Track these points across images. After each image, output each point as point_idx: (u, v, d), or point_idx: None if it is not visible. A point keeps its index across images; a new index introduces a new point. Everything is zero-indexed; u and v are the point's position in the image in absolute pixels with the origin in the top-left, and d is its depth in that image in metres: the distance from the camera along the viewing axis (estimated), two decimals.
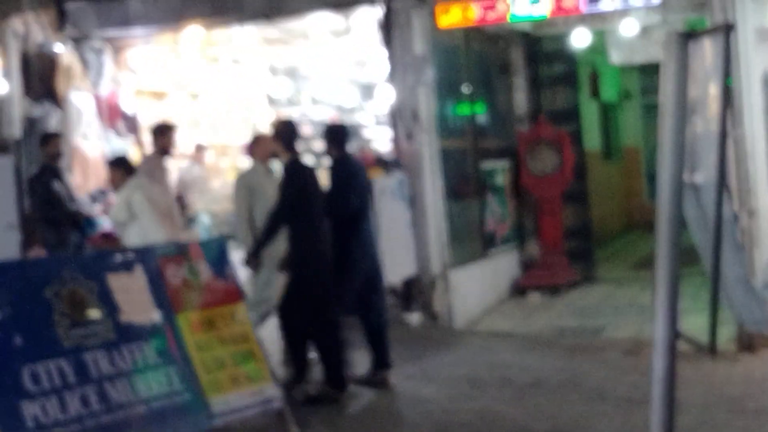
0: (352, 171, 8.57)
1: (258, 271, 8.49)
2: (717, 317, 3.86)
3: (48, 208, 10.45)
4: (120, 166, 9.51)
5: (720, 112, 3.61)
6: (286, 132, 8.38)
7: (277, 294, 8.43)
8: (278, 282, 8.50)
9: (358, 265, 8.37)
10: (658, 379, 3.45)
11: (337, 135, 8.68)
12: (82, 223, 10.87)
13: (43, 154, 10.82)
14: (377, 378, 8.39)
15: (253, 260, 8.21)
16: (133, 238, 9.07)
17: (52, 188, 10.50)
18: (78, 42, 12.52)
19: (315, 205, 8.16)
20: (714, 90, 3.76)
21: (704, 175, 4.09)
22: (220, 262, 6.63)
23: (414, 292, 11.02)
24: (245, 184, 9.09)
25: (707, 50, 3.73)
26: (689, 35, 3.63)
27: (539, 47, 13.94)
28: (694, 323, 7.53)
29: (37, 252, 9.97)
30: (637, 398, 7.18)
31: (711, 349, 3.88)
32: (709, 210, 3.76)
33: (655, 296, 3.53)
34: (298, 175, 8.21)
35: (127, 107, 13.34)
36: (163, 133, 9.28)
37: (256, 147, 9.33)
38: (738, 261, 4.11)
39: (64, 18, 12.34)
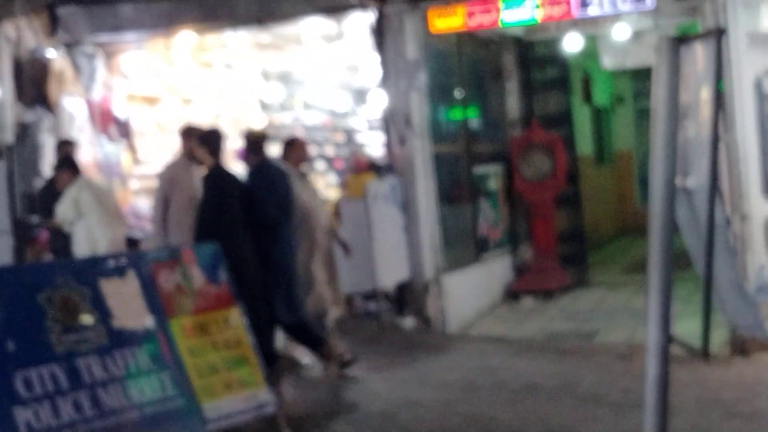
0: (271, 178, 8.66)
1: None
2: (710, 321, 3.86)
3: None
4: (67, 167, 9.72)
5: (712, 117, 3.62)
6: (212, 140, 8.44)
7: (326, 295, 9.07)
8: (317, 281, 8.93)
9: (290, 269, 8.53)
10: (652, 383, 3.46)
11: (210, 141, 8.53)
12: None
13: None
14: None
15: None
16: (80, 236, 9.27)
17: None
18: (70, 47, 12.52)
19: (236, 212, 8.24)
20: (706, 94, 3.77)
21: (696, 180, 4.10)
22: (212, 267, 6.62)
23: (407, 296, 11.03)
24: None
25: (699, 55, 3.74)
26: (681, 40, 3.64)
27: (531, 52, 13.97)
28: (687, 327, 7.53)
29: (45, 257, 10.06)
30: (631, 402, 7.18)
31: (704, 354, 3.88)
32: (701, 214, 3.77)
33: (648, 300, 3.53)
34: (219, 182, 8.31)
35: (119, 112, 13.33)
36: (190, 137, 8.90)
37: (291, 151, 9.20)
38: (730, 265, 4.12)
39: (56, 23, 12.33)
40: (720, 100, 3.59)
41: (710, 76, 3.65)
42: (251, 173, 8.66)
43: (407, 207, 10.93)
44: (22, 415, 4.96)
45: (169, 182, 8.70)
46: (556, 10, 10.46)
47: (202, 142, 8.38)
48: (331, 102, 19.49)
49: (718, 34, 3.63)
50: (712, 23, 9.23)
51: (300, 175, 9.15)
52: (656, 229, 3.51)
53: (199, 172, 8.60)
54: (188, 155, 8.80)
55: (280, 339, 8.87)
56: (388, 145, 11.28)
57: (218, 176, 8.32)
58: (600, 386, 8.21)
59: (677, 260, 3.71)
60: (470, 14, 10.81)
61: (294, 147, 9.22)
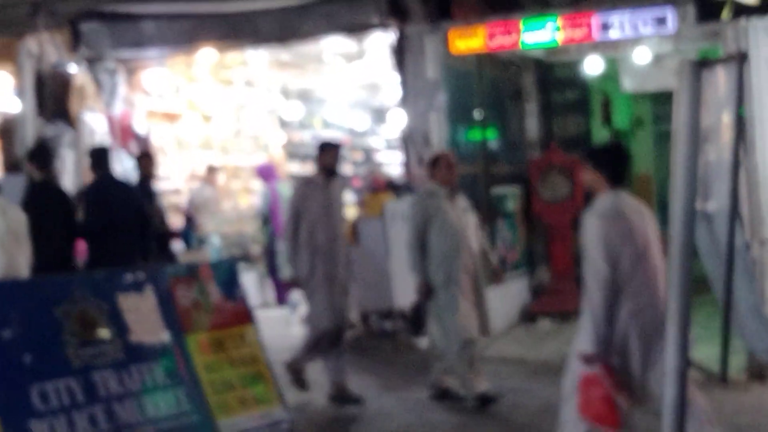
0: (103, 190, 9.34)
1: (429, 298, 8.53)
2: (728, 346, 3.85)
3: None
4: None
5: (733, 141, 3.61)
6: (40, 154, 9.29)
7: (472, 322, 8.45)
8: (463, 307, 8.38)
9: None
10: (670, 406, 3.43)
11: (97, 157, 9.50)
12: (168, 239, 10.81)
13: (139, 170, 10.77)
14: None
15: (425, 287, 8.49)
16: None
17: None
18: (92, 62, 12.59)
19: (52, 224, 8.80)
20: (727, 119, 3.76)
21: (716, 204, 4.10)
22: (230, 283, 6.63)
23: (423, 316, 10.99)
24: (423, 207, 8.51)
25: (720, 79, 3.74)
26: (703, 64, 3.63)
27: (551, 74, 13.97)
28: (706, 352, 7.49)
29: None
30: (648, 426, 7.14)
31: (722, 378, 3.86)
32: (721, 239, 3.76)
33: (667, 324, 3.51)
34: (42, 194, 9.02)
35: (139, 128, 13.39)
36: (326, 151, 8.84)
37: (434, 170, 8.62)
38: (750, 290, 4.10)
39: (79, 38, 12.41)
40: (741, 125, 3.58)
41: (732, 100, 3.65)
42: (88, 186, 9.59)
43: None
44: (38, 428, 4.97)
45: (301, 198, 8.69)
46: (577, 33, 10.47)
47: (31, 157, 9.07)
48: (350, 121, 19.55)
49: (741, 58, 3.62)
50: (733, 48, 9.21)
51: (449, 193, 8.51)
52: (676, 253, 3.50)
53: (336, 186, 8.84)
54: (323, 169, 8.78)
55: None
56: (407, 165, 11.29)
57: (43, 189, 9.03)
58: None
59: (696, 284, 3.69)
60: (491, 35, 10.82)
61: (437, 165, 8.60)
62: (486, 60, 12.45)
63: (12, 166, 12.55)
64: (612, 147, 6.49)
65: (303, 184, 8.96)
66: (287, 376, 8.40)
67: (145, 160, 10.84)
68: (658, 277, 5.49)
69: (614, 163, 5.85)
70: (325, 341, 8.64)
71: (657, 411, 4.38)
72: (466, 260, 8.41)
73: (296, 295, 11.29)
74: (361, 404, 8.51)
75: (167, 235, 10.93)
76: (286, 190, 14.54)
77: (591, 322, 5.48)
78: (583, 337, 5.62)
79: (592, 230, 5.56)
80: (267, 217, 14.16)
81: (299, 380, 8.60)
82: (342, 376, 8.66)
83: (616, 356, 5.48)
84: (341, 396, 8.59)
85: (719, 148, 5.85)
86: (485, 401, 8.26)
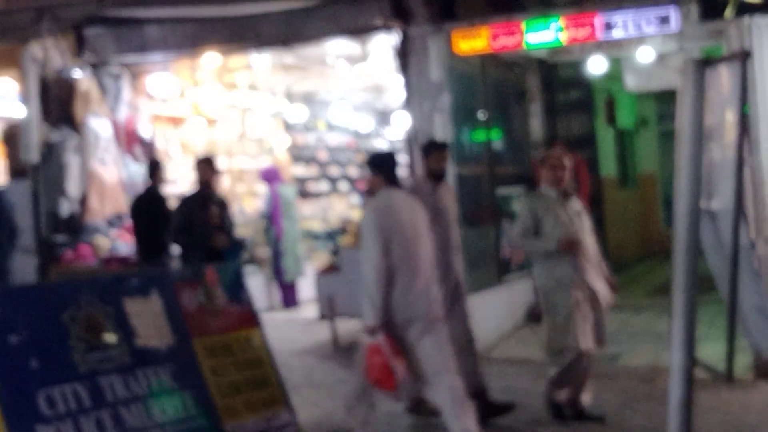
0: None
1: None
2: (734, 345, 3.84)
3: (183, 232, 10.09)
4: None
5: (737, 140, 3.61)
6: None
7: (586, 332, 7.64)
8: (576, 315, 7.64)
9: None
10: (675, 406, 3.43)
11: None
12: (224, 248, 10.29)
13: (199, 179, 10.36)
14: None
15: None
16: None
17: (192, 213, 10.10)
18: (96, 67, 12.62)
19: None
20: (731, 117, 3.76)
21: (721, 203, 4.10)
22: (235, 287, 6.63)
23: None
24: (529, 209, 7.88)
25: (724, 77, 3.74)
26: (706, 62, 3.63)
27: (555, 74, 13.98)
28: (711, 351, 7.49)
29: None
30: (654, 426, 7.14)
31: (728, 377, 3.86)
32: (725, 237, 3.75)
33: (672, 323, 3.51)
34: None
35: (144, 132, 13.41)
36: (433, 153, 8.18)
37: (543, 171, 7.98)
38: (755, 289, 4.10)
39: (83, 44, 12.44)
40: (745, 123, 3.57)
41: (735, 98, 3.65)
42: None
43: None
44: None
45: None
46: (581, 33, 10.47)
47: None
48: (354, 123, 19.56)
49: (744, 57, 3.62)
50: (736, 46, 9.20)
51: (560, 194, 7.83)
52: (680, 252, 3.49)
53: (445, 193, 8.30)
54: (431, 174, 8.16)
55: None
56: (411, 167, 11.29)
57: None
58: (623, 409, 8.15)
59: (701, 283, 3.69)
60: (494, 36, 10.83)
61: (545, 165, 7.98)
62: (490, 61, 12.46)
63: (17, 172, 12.58)
64: (386, 154, 7.42)
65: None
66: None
67: (207, 166, 10.39)
68: (425, 263, 6.79)
69: (388, 167, 7.05)
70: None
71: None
72: (580, 265, 7.69)
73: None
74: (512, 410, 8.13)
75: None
76: (290, 192, 14.56)
77: (367, 298, 6.50)
78: (364, 313, 6.56)
79: (368, 222, 6.74)
80: (270, 220, 14.19)
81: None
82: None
83: (395, 328, 6.54)
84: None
85: (723, 147, 5.85)
86: (583, 416, 7.80)
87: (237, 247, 10.98)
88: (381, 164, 7.06)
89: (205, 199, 10.22)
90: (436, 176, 8.15)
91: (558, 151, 8.33)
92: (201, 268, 6.68)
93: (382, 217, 6.70)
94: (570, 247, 7.62)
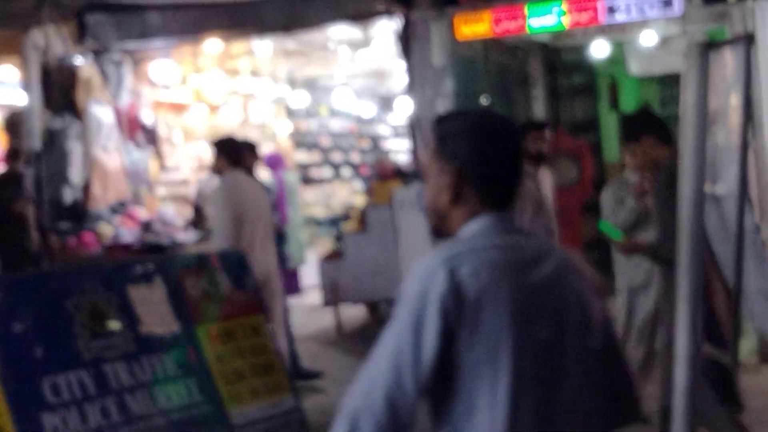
0: None
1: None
2: (739, 329, 3.83)
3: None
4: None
5: (742, 123, 3.60)
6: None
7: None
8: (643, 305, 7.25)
9: None
10: (681, 391, 3.43)
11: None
12: None
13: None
14: None
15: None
16: None
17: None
18: (98, 54, 12.59)
19: None
20: (735, 101, 3.75)
21: (725, 187, 4.07)
22: (239, 273, 6.63)
23: None
24: (610, 196, 7.39)
25: (728, 61, 3.72)
26: (710, 45, 3.62)
27: (558, 58, 13.94)
28: None
29: None
30: (657, 410, 7.13)
31: (733, 362, 3.85)
32: (730, 221, 3.74)
33: (677, 308, 3.51)
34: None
35: (146, 119, 13.40)
36: (531, 134, 7.53)
37: (633, 154, 6.84)
38: (760, 273, 4.08)
39: (84, 31, 12.40)
40: (750, 107, 3.56)
41: (740, 82, 3.63)
42: None
43: None
44: (50, 421, 4.98)
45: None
46: (583, 17, 10.43)
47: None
48: (357, 108, 19.55)
49: (747, 39, 3.60)
50: (740, 29, 9.18)
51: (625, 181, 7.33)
52: (685, 236, 3.49)
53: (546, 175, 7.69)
54: (531, 156, 7.42)
55: None
56: (414, 152, 11.28)
57: None
58: None
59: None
60: (497, 21, 10.79)
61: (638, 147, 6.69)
62: (492, 45, 12.43)
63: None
64: (228, 139, 8.20)
65: None
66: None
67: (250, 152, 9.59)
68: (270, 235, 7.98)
69: (231, 151, 7.79)
70: None
71: None
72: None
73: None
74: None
75: None
76: (293, 178, 14.55)
77: None
78: None
79: (217, 199, 7.65)
80: (273, 207, 14.18)
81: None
82: None
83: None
84: None
85: (727, 131, 5.83)
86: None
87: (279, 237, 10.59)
88: (225, 147, 7.83)
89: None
90: (535, 159, 7.41)
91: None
92: (205, 255, 6.69)
93: (231, 194, 7.58)
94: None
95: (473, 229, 2.51)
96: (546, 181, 7.71)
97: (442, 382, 2.39)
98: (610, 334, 2.62)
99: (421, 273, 2.45)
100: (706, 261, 3.72)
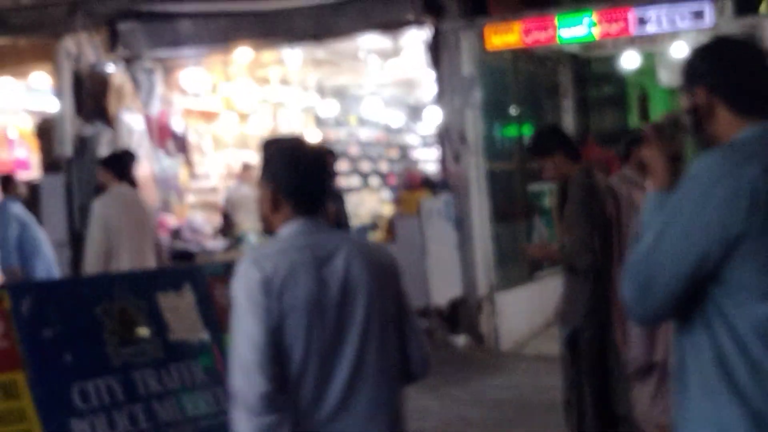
0: None
1: None
2: None
3: None
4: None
5: None
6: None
7: None
8: None
9: None
10: None
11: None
12: None
13: None
14: None
15: None
16: None
17: None
18: (129, 62, 12.67)
19: None
20: None
21: None
22: None
23: (460, 314, 10.99)
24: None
25: None
26: None
27: (588, 69, 13.91)
28: None
29: None
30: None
31: None
32: None
33: None
34: None
35: (176, 127, 13.46)
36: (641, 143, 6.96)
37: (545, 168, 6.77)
38: None
39: (116, 38, 12.49)
40: None
41: None
42: None
43: (461, 224, 10.91)
44: (79, 427, 5.00)
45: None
46: (614, 28, 10.41)
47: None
48: (385, 118, 19.55)
49: None
50: None
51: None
52: None
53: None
54: (641, 166, 6.61)
55: None
56: (443, 162, 11.28)
57: None
58: None
59: None
60: (527, 31, 10.79)
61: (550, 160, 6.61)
62: (522, 55, 12.42)
63: (50, 166, 12.67)
64: (121, 153, 8.65)
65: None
66: None
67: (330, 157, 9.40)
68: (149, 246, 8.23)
69: (119, 165, 8.09)
70: None
71: None
72: None
73: None
74: None
75: None
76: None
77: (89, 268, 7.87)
78: None
79: (96, 211, 8.00)
80: None
81: None
82: None
83: None
84: None
85: None
86: None
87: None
88: (113, 162, 8.21)
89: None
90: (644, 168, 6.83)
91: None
92: (233, 263, 6.70)
93: (108, 208, 7.97)
94: None
95: (287, 230, 3.34)
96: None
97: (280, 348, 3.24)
98: (403, 305, 3.43)
99: (241, 273, 3.39)
100: None
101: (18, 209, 9.72)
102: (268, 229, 3.46)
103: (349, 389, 3.23)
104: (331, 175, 9.55)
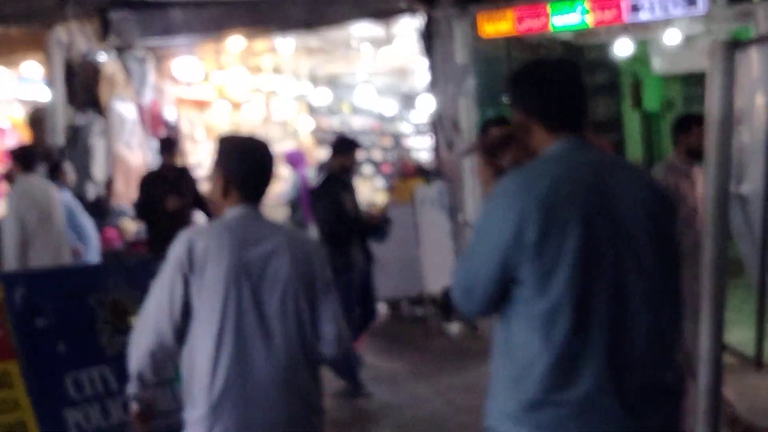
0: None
1: None
2: (763, 330, 3.81)
3: (333, 222, 8.53)
4: None
5: (767, 123, 3.57)
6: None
7: None
8: None
9: None
10: (705, 392, 3.40)
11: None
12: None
13: (334, 163, 8.73)
14: None
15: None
16: None
17: (340, 200, 8.60)
18: (121, 51, 12.64)
19: None
20: (761, 100, 3.72)
21: (751, 186, 4.06)
22: None
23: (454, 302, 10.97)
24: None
25: (754, 60, 3.69)
26: (736, 45, 3.59)
27: (581, 56, 13.89)
28: (740, 336, 7.43)
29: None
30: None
31: (757, 362, 3.83)
32: (755, 221, 3.71)
33: (701, 308, 3.48)
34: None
35: (169, 116, 13.43)
36: (691, 129, 6.55)
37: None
38: None
39: (108, 27, 12.45)
40: None
41: (765, 81, 3.60)
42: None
43: (454, 212, 10.90)
44: (73, 417, 5.00)
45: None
46: (607, 15, 10.40)
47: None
48: (379, 106, 19.53)
49: None
50: (764, 28, 9.11)
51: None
52: (709, 236, 3.46)
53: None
54: (688, 153, 6.54)
55: None
56: (436, 150, 11.27)
57: None
58: None
59: (730, 267, 3.65)
60: (520, 19, 10.77)
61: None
62: (515, 43, 12.40)
63: (42, 156, 12.63)
64: (26, 147, 9.13)
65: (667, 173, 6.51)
66: None
67: (352, 152, 8.82)
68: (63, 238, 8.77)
69: (25, 157, 8.58)
70: None
71: None
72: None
73: None
74: None
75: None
76: (314, 176, 14.55)
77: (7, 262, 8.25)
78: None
79: (8, 204, 8.41)
80: (296, 205, 14.17)
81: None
82: None
83: None
84: None
85: (753, 130, 5.78)
86: None
87: (380, 230, 10.10)
88: (20, 155, 8.65)
89: (345, 186, 8.88)
90: (695, 154, 6.46)
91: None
92: None
93: (21, 200, 8.33)
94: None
95: (231, 213, 3.76)
96: (700, 179, 6.38)
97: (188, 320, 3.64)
98: (322, 289, 3.80)
99: (177, 241, 3.68)
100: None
101: (66, 197, 9.58)
102: (216, 212, 3.84)
103: (264, 360, 3.62)
104: (354, 164, 8.94)
